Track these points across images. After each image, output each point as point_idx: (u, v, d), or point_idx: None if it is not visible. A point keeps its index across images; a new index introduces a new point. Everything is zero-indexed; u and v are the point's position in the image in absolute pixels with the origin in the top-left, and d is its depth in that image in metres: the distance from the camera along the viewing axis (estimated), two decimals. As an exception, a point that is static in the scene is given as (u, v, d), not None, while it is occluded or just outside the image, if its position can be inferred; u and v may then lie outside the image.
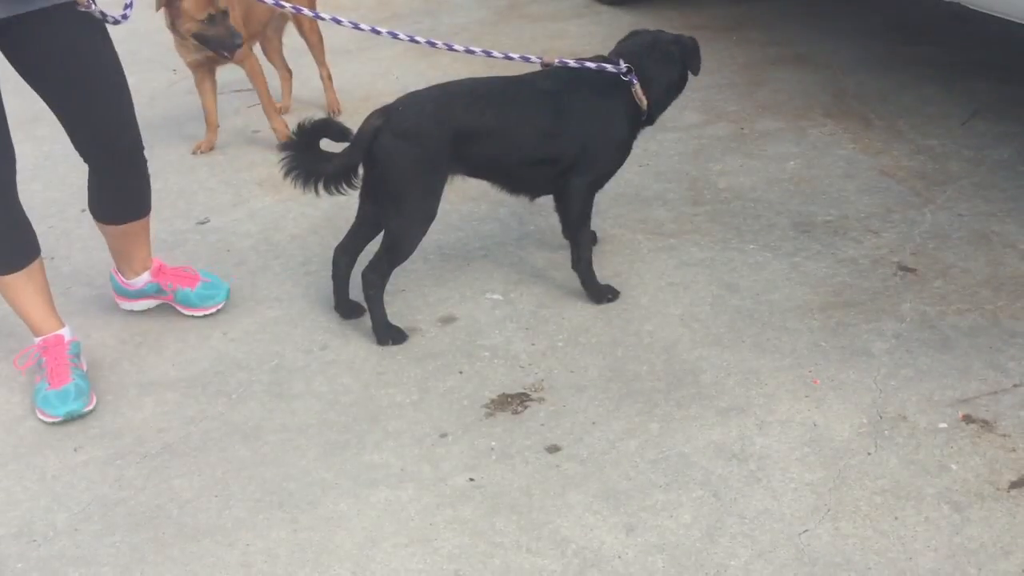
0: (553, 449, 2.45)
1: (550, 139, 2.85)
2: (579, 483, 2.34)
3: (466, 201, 3.65)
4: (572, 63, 2.86)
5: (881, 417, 2.48)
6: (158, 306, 3.11)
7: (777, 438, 2.43)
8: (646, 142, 3.81)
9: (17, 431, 2.65)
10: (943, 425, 2.44)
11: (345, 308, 3.01)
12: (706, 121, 4.24)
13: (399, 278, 3.24)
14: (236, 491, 2.38)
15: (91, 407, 2.66)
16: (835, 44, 5.03)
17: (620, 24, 5.11)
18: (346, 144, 2.77)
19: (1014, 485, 2.24)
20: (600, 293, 3.00)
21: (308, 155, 2.78)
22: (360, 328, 2.97)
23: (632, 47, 2.95)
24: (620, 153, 2.98)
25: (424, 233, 2.88)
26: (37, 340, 2.74)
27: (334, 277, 2.99)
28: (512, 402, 2.63)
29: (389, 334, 2.89)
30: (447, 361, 2.82)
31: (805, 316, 2.89)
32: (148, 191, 2.90)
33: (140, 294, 3.05)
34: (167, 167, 4.08)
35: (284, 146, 2.80)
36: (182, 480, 2.42)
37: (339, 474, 2.41)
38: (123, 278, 3.02)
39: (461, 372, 2.76)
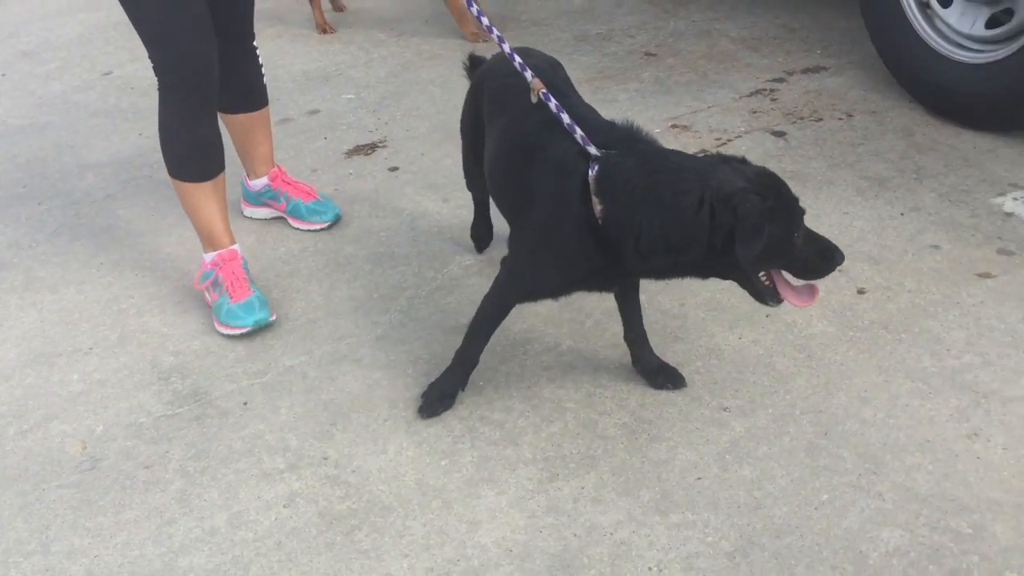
0: (393, 168, 3.47)
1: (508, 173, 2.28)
2: (412, 182, 3.37)
3: (331, 41, 4.61)
4: (553, 104, 2.13)
5: (618, 130, 3.58)
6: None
7: (547, 148, 3.52)
8: (463, -10, 4.81)
9: None
10: (658, 130, 3.56)
11: None
12: (514, -21, 5.29)
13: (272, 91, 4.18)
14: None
15: (274, 317, 2.68)
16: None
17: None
18: None
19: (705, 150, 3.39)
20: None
21: None
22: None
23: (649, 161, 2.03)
24: (541, 256, 2.12)
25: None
26: (209, 257, 2.72)
27: None
28: (364, 149, 3.64)
29: None
30: (314, 134, 3.79)
31: (576, 87, 3.97)
32: (261, 80, 2.96)
33: (259, 198, 3.16)
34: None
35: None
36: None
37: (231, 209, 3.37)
38: (249, 180, 3.15)
39: (325, 138, 3.75)
